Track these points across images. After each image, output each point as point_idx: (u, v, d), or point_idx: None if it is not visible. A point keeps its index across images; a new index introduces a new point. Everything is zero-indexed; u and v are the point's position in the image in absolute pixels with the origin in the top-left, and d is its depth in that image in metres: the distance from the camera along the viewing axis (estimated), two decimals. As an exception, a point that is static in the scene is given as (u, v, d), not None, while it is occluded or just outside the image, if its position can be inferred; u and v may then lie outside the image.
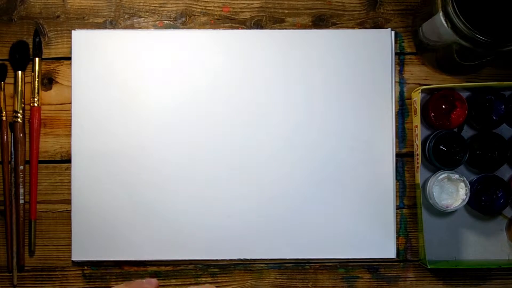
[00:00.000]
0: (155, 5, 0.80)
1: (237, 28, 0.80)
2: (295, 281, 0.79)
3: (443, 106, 0.76)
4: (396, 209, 0.79)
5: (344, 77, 0.79)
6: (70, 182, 0.78)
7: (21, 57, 0.79)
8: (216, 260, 0.79)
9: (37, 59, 0.79)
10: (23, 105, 0.79)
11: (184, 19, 0.80)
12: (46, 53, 0.80)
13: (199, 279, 0.79)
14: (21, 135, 0.78)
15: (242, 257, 0.78)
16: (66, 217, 0.79)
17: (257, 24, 0.80)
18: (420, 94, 0.75)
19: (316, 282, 0.79)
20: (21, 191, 0.78)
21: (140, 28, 0.80)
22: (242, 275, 0.79)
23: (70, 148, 0.79)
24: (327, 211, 0.78)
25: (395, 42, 0.80)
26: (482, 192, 0.76)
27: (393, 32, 0.79)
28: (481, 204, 0.76)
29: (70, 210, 0.78)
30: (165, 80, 0.79)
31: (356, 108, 0.79)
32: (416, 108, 0.77)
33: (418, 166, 0.77)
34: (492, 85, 0.76)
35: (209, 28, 0.80)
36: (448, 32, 0.69)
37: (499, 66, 0.80)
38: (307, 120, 0.79)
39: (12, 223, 0.78)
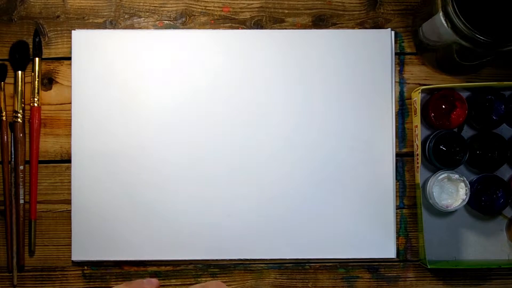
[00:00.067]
0: (155, 5, 0.80)
1: (237, 28, 0.80)
2: (295, 281, 0.79)
3: (443, 106, 0.76)
4: (396, 209, 0.79)
5: (344, 77, 0.79)
6: (70, 182, 0.78)
7: (21, 57, 0.79)
8: (216, 260, 0.79)
9: (37, 59, 0.79)
10: (23, 105, 0.79)
11: (184, 19, 0.80)
12: (46, 53, 0.80)
13: (199, 279, 0.79)
14: (21, 135, 0.78)
15: (242, 257, 0.78)
16: (66, 217, 0.79)
17: (257, 24, 0.80)
18: (420, 94, 0.75)
19: (316, 282, 0.79)
20: (21, 191, 0.78)
21: (140, 28, 0.80)
22: (242, 275, 0.79)
23: (70, 148, 0.79)
24: (327, 211, 0.78)
25: (395, 42, 0.80)
26: (482, 192, 0.76)
27: (393, 32, 0.79)
28: (481, 204, 0.76)
29: (70, 210, 0.78)
30: (165, 80, 0.79)
31: (356, 108, 0.79)
32: (416, 108, 0.77)
33: (418, 166, 0.77)
34: (492, 85, 0.76)
35: (209, 28, 0.80)
36: (448, 32, 0.69)
37: (499, 66, 0.80)
38: (307, 120, 0.79)
39: (12, 223, 0.78)
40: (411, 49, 0.80)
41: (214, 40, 0.79)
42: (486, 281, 0.79)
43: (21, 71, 0.79)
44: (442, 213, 0.78)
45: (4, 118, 0.78)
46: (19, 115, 0.78)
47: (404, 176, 0.79)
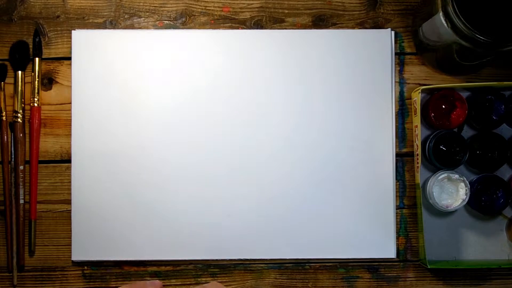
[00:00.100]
0: (155, 5, 0.80)
1: (237, 28, 0.80)
2: (295, 281, 0.79)
3: (443, 106, 0.76)
4: (396, 209, 0.79)
5: (344, 77, 0.79)
6: (70, 182, 0.78)
7: (21, 57, 0.79)
8: (216, 260, 0.79)
9: (37, 59, 0.79)
10: (23, 105, 0.79)
11: (184, 19, 0.80)
12: (46, 53, 0.80)
13: (199, 279, 0.79)
14: (21, 135, 0.78)
15: (242, 257, 0.78)
16: (66, 217, 0.79)
17: (257, 24, 0.80)
18: (420, 94, 0.75)
19: (316, 282, 0.79)
20: (21, 191, 0.78)
21: (140, 28, 0.80)
22: (242, 275, 0.79)
23: (70, 148, 0.79)
24: (327, 211, 0.78)
25: (395, 42, 0.80)
26: (482, 192, 0.76)
27: (393, 32, 0.79)
28: (481, 204, 0.76)
29: (70, 210, 0.78)
30: (165, 80, 0.79)
31: (356, 108, 0.79)
32: (416, 108, 0.77)
33: (418, 166, 0.77)
34: (492, 85, 0.76)
35: (209, 28, 0.80)
36: (448, 32, 0.69)
37: (499, 66, 0.80)
38: (307, 120, 0.79)
39: (12, 223, 0.78)
40: (411, 49, 0.80)
41: (214, 40, 0.79)
42: (486, 281, 0.79)
43: (21, 71, 0.79)
44: (442, 213, 0.78)
45: (4, 118, 0.78)
46: (19, 115, 0.78)
47: (404, 176, 0.79)
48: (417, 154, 0.77)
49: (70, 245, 0.78)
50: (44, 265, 0.79)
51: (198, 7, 0.80)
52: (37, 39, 0.79)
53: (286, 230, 0.78)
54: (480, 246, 0.79)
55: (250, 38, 0.79)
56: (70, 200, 0.78)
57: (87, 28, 0.80)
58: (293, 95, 0.79)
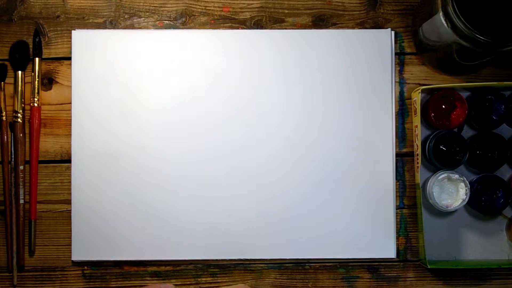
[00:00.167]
0: (155, 5, 0.80)
1: (237, 28, 0.80)
2: (295, 281, 0.79)
3: (443, 106, 0.76)
4: (396, 209, 0.79)
5: (344, 77, 0.79)
6: (70, 182, 0.78)
7: (21, 57, 0.79)
8: (216, 260, 0.79)
9: (37, 59, 0.79)
10: (23, 105, 0.79)
11: (184, 19, 0.80)
12: (46, 53, 0.80)
13: (199, 279, 0.79)
14: (21, 135, 0.78)
15: (242, 257, 0.78)
16: (66, 217, 0.79)
17: (257, 24, 0.80)
18: (420, 94, 0.75)
19: (316, 282, 0.79)
20: (21, 191, 0.78)
21: (140, 28, 0.80)
22: (242, 275, 0.79)
23: (70, 148, 0.79)
24: (327, 211, 0.78)
25: (395, 42, 0.80)
26: (482, 192, 0.76)
27: (393, 32, 0.79)
28: (481, 204, 0.76)
29: (70, 210, 0.78)
30: (165, 80, 0.79)
31: (356, 108, 0.79)
32: (416, 108, 0.77)
33: (418, 166, 0.77)
34: (492, 85, 0.76)
35: (209, 28, 0.80)
36: (448, 32, 0.69)
37: (499, 66, 0.80)
38: (307, 120, 0.79)
39: (12, 223, 0.78)
40: (411, 49, 0.80)
41: (214, 40, 0.79)
42: (486, 281, 0.79)
43: (21, 71, 0.79)
44: (442, 213, 0.78)
45: (4, 118, 0.78)
46: (19, 115, 0.78)
47: (404, 176, 0.79)
48: (417, 154, 0.77)
49: (70, 245, 0.78)
50: (44, 265, 0.79)
51: (198, 7, 0.80)
52: (37, 39, 0.79)
53: (286, 230, 0.78)
54: (480, 246, 0.79)
55: (250, 38, 0.79)
56: (70, 200, 0.78)
57: (87, 28, 0.80)
58: (293, 95, 0.79)
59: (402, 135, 0.80)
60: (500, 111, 0.76)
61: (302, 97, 0.79)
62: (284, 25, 0.80)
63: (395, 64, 0.80)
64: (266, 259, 0.79)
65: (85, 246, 0.78)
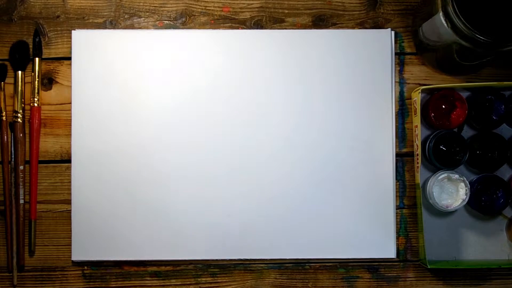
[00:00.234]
0: (155, 5, 0.80)
1: (237, 28, 0.80)
2: (295, 281, 0.79)
3: (443, 106, 0.76)
4: (396, 209, 0.79)
5: (344, 77, 0.79)
6: (70, 182, 0.78)
7: (21, 57, 0.79)
8: (216, 260, 0.79)
9: (37, 59, 0.79)
10: (23, 105, 0.79)
11: (184, 19, 0.80)
12: (46, 53, 0.80)
13: (199, 279, 0.79)
14: (21, 135, 0.78)
15: (242, 257, 0.78)
16: (66, 217, 0.79)
17: (257, 24, 0.80)
18: (420, 94, 0.75)
19: (316, 282, 0.79)
20: (21, 191, 0.78)
21: (140, 28, 0.80)
22: (242, 275, 0.79)
23: (70, 148, 0.79)
24: (327, 211, 0.78)
25: (395, 42, 0.80)
26: (482, 192, 0.76)
27: (393, 32, 0.79)
28: (481, 204, 0.76)
29: (70, 210, 0.78)
30: (165, 80, 0.79)
31: (356, 108, 0.79)
32: (416, 108, 0.77)
33: (418, 166, 0.77)
34: (492, 85, 0.76)
35: (209, 28, 0.80)
36: (448, 32, 0.69)
37: (499, 66, 0.80)
38: (307, 120, 0.79)
39: (12, 223, 0.78)
40: (411, 49, 0.80)
41: (214, 40, 0.79)
42: (486, 281, 0.79)
43: (21, 71, 0.79)
44: (442, 213, 0.78)
45: (4, 118, 0.78)
46: (19, 115, 0.78)
47: (404, 176, 0.79)
48: (417, 154, 0.77)
49: (70, 245, 0.78)
50: (44, 265, 0.79)
51: (198, 7, 0.80)
52: (37, 39, 0.79)
53: (286, 230, 0.78)
54: (480, 246, 0.79)
55: (250, 38, 0.79)
56: (70, 200, 0.78)
57: (87, 28, 0.80)
58: (293, 95, 0.79)
59: (402, 135, 0.80)
60: (500, 111, 0.76)
61: (302, 97, 0.79)
62: (284, 25, 0.80)
63: (395, 64, 0.80)
64: (266, 259, 0.79)
65: (85, 246, 0.78)
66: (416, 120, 0.77)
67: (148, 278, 0.79)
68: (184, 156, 0.78)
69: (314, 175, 0.78)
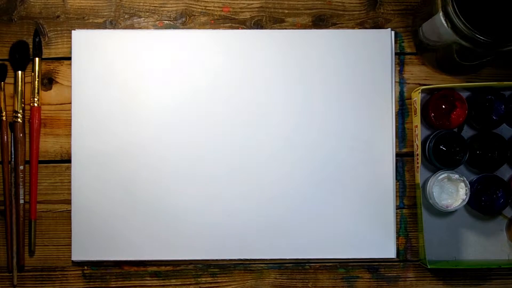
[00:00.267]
0: (155, 5, 0.80)
1: (237, 28, 0.80)
2: (295, 281, 0.79)
3: (443, 106, 0.76)
4: (396, 209, 0.79)
5: (344, 77, 0.79)
6: (70, 182, 0.78)
7: (21, 57, 0.79)
8: (216, 260, 0.79)
9: (37, 59, 0.79)
10: (23, 105, 0.79)
11: (184, 19, 0.80)
12: (46, 53, 0.80)
13: (199, 279, 0.79)
14: (21, 135, 0.78)
15: (242, 257, 0.78)
16: (66, 217, 0.79)
17: (257, 24, 0.80)
18: (420, 94, 0.75)
19: (316, 282, 0.79)
20: (21, 191, 0.78)
21: (140, 28, 0.80)
22: (242, 275, 0.79)
23: (70, 148, 0.79)
24: (327, 211, 0.78)
25: (395, 42, 0.80)
26: (482, 192, 0.76)
27: (393, 32, 0.79)
28: (481, 204, 0.76)
29: (70, 210, 0.78)
30: (165, 80, 0.79)
31: (356, 108, 0.79)
32: (416, 108, 0.77)
33: (418, 166, 0.77)
34: (492, 85, 0.76)
35: (209, 28, 0.80)
36: (448, 32, 0.69)
37: (499, 66, 0.80)
38: (307, 120, 0.79)
39: (12, 223, 0.78)
40: (411, 49, 0.80)
41: (214, 40, 0.79)
42: (486, 281, 0.79)
43: (21, 71, 0.79)
44: (442, 213, 0.78)
45: (4, 118, 0.78)
46: (19, 115, 0.78)
47: (404, 176, 0.79)
48: (417, 154, 0.77)
49: (70, 245, 0.78)
50: (44, 265, 0.79)
51: (198, 7, 0.80)
52: (37, 39, 0.79)
53: (286, 230, 0.78)
54: (480, 246, 0.79)
55: (250, 38, 0.79)
56: (70, 200, 0.78)
57: (87, 28, 0.80)
58: (293, 95, 0.79)
59: (402, 135, 0.80)
60: (500, 111, 0.76)
61: (302, 97, 0.79)
62: (284, 25, 0.80)
63: (395, 64, 0.80)
64: (266, 259, 0.79)
65: (85, 246, 0.78)
66: (416, 120, 0.77)
67: (148, 278, 0.79)
68: (184, 156, 0.78)
69: (314, 175, 0.78)
